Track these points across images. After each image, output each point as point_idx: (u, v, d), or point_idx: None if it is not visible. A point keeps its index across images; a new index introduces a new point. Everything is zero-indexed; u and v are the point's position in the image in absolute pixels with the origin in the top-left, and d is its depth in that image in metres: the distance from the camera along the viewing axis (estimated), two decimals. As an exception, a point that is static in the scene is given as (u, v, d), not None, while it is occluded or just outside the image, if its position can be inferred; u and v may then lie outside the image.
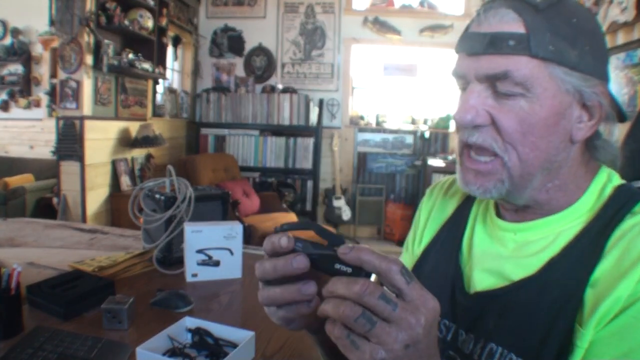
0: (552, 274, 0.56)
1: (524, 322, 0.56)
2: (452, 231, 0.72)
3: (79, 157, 3.24)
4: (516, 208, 0.62)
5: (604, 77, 0.56)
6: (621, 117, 0.59)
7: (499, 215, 0.66)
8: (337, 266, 0.44)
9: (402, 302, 0.41)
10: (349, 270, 0.43)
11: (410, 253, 0.79)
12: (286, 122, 4.78)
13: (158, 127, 3.96)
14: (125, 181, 3.72)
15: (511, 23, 0.54)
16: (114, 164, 3.63)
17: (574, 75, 0.54)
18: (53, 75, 4.62)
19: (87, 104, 3.26)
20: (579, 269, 0.54)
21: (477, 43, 0.56)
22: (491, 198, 0.60)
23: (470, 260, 0.67)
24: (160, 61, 3.99)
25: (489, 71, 0.55)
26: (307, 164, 4.83)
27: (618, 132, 0.63)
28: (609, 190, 0.59)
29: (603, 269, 0.53)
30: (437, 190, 0.80)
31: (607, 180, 0.60)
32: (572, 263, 0.55)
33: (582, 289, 0.53)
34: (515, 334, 0.57)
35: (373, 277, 0.43)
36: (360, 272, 0.43)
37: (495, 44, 0.54)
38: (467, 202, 0.73)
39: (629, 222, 0.54)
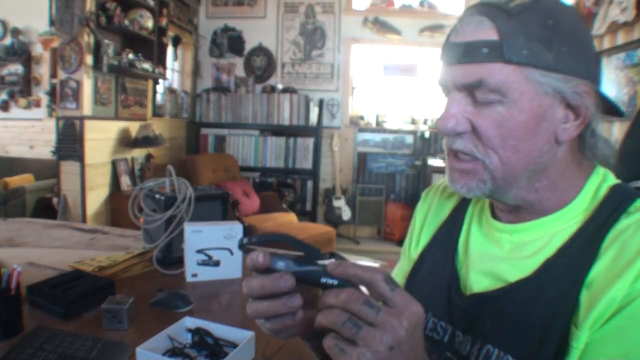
0: (548, 275, 0.56)
1: (521, 324, 0.56)
2: (448, 233, 0.72)
3: (79, 157, 3.24)
4: (510, 208, 0.62)
5: (587, 76, 0.55)
6: (615, 113, 0.59)
7: (494, 216, 0.66)
8: (323, 280, 0.46)
9: (386, 307, 0.43)
10: (335, 282, 0.46)
11: (407, 257, 0.80)
12: (286, 122, 4.78)
13: (158, 127, 3.96)
14: (125, 181, 3.72)
15: (485, 30, 0.54)
16: (114, 164, 3.64)
17: (552, 77, 0.53)
18: (53, 75, 4.61)
19: (87, 104, 3.26)
20: (575, 270, 0.54)
21: (453, 53, 0.57)
22: (475, 197, 0.61)
23: (466, 262, 0.67)
24: (160, 61, 3.99)
25: (465, 80, 0.56)
26: (307, 164, 4.83)
27: (618, 131, 0.63)
28: (604, 190, 0.59)
29: (598, 269, 0.53)
30: (433, 194, 0.80)
31: (602, 180, 0.60)
32: (568, 264, 0.55)
33: (577, 290, 0.53)
34: (512, 336, 0.57)
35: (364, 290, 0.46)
36: (346, 282, 0.46)
37: (468, 53, 0.55)
38: (462, 204, 0.73)
39: (624, 222, 0.54)
